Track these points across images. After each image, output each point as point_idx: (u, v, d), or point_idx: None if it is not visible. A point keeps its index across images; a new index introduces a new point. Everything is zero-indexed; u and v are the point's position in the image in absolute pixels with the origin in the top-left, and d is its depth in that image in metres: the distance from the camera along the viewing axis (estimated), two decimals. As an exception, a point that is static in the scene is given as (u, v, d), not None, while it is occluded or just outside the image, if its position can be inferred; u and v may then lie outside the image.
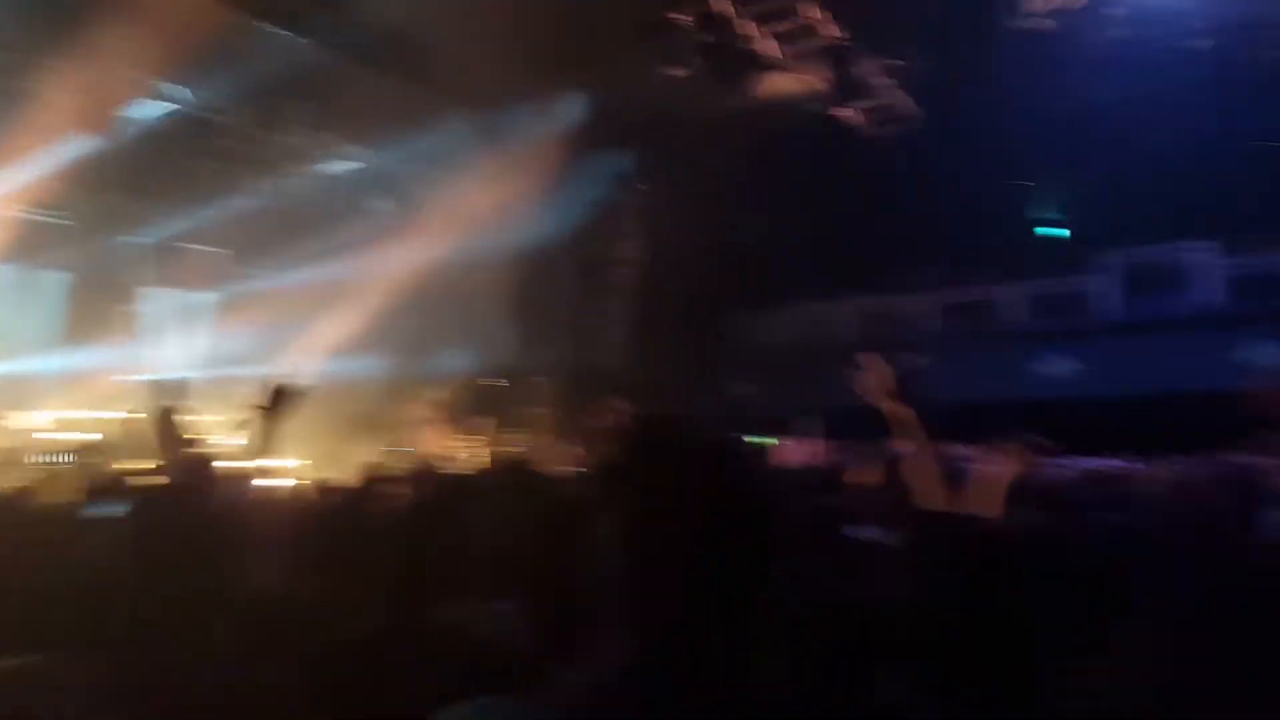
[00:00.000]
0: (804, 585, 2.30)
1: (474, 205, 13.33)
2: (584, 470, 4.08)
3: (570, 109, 14.11)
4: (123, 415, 10.08)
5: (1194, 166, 15.77)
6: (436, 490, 4.19)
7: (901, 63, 14.71)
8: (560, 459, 9.79)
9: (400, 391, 12.84)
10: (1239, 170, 17.61)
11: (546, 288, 16.10)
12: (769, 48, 13.30)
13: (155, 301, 13.64)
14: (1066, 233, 20.16)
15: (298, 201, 13.39)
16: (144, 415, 7.77)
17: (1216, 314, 15.35)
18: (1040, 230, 19.89)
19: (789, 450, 9.17)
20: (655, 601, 1.19)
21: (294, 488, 6.00)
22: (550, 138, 14.01)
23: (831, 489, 4.01)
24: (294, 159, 13.20)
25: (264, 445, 3.34)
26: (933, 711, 1.71)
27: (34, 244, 11.98)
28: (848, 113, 15.07)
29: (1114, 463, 9.25)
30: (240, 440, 3.54)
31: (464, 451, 12.56)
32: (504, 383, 15.73)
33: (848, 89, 14.03)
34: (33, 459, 8.12)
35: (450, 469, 8.74)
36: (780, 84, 14.06)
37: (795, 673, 1.55)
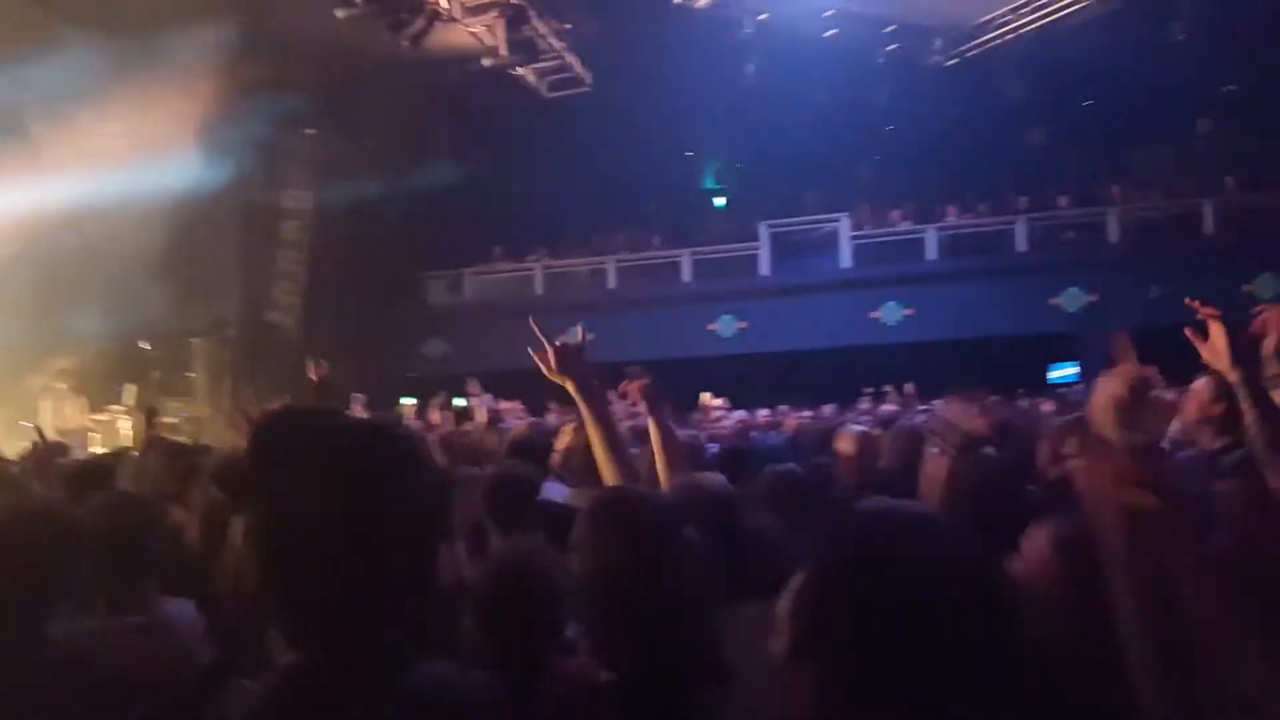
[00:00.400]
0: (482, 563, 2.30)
1: (111, 144, 11.79)
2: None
3: (227, 40, 12.87)
4: None
5: (828, 144, 18.00)
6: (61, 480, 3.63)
7: (573, 28, 15.12)
8: (222, 436, 9.09)
9: (21, 360, 11.20)
10: (865, 149, 20.36)
11: (204, 239, 14.68)
12: (441, -2, 13.03)
13: None
14: (724, 203, 22.12)
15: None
16: None
17: (849, 278, 17.51)
18: (711, 197, 21.64)
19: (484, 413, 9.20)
20: (298, 608, 1.12)
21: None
22: (204, 71, 12.71)
23: (525, 454, 4.02)
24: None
25: None
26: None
27: None
28: (524, 72, 15.23)
29: (771, 413, 10.37)
30: None
31: (99, 428, 11.25)
32: (148, 347, 14.22)
33: (522, 49, 14.12)
34: None
35: (80, 451, 7.82)
36: (452, 37, 13.84)
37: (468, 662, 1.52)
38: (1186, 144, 19.55)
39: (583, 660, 1.66)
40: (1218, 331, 2.43)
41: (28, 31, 10.82)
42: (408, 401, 18.28)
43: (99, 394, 12.03)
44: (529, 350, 2.55)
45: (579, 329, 2.75)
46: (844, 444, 4.35)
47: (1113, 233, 16.97)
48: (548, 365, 2.53)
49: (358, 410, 9.19)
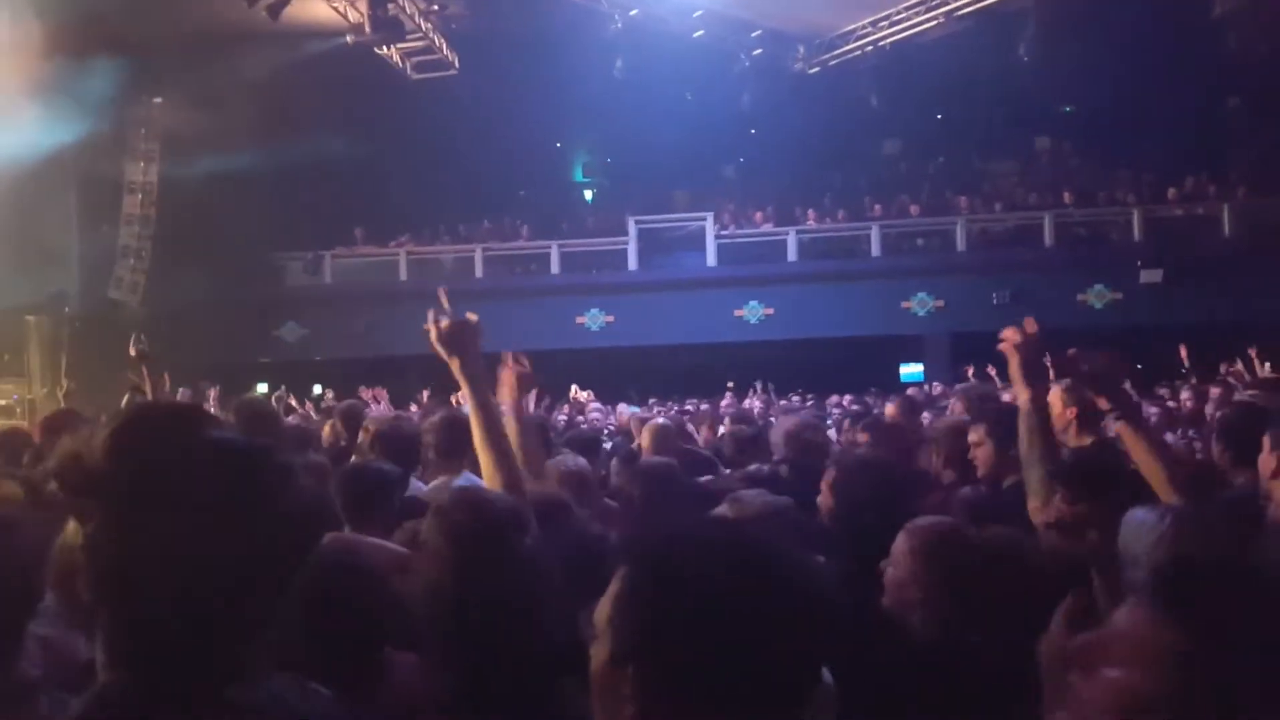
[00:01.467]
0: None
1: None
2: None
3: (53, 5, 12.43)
4: None
5: (696, 143, 18.74)
6: None
7: (441, 9, 15.24)
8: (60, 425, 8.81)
9: None
10: (731, 150, 21.26)
11: (41, 209, 14.12)
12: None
13: None
14: (592, 196, 22.63)
15: None
16: None
17: (714, 276, 18.29)
18: (580, 189, 22.05)
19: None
20: (133, 627, 1.06)
21: None
22: (42, 29, 12.25)
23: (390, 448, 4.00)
24: None
25: None
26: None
27: None
28: (389, 52, 15.26)
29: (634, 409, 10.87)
30: None
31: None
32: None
33: (387, 26, 14.17)
34: None
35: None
36: (315, 10, 13.78)
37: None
38: (1028, 159, 21.28)
39: (421, 665, 1.68)
40: (1013, 355, 2.58)
41: None
42: (261, 387, 18.00)
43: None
44: (424, 327, 2.48)
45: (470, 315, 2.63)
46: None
47: (960, 241, 18.30)
48: (439, 337, 2.45)
49: (211, 401, 9.10)
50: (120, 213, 15.62)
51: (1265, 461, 2.53)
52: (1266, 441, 2.54)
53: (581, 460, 3.63)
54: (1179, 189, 18.36)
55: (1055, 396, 2.98)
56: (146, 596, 1.05)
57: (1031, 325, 2.57)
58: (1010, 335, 2.57)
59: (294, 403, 9.59)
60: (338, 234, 18.90)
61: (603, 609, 1.04)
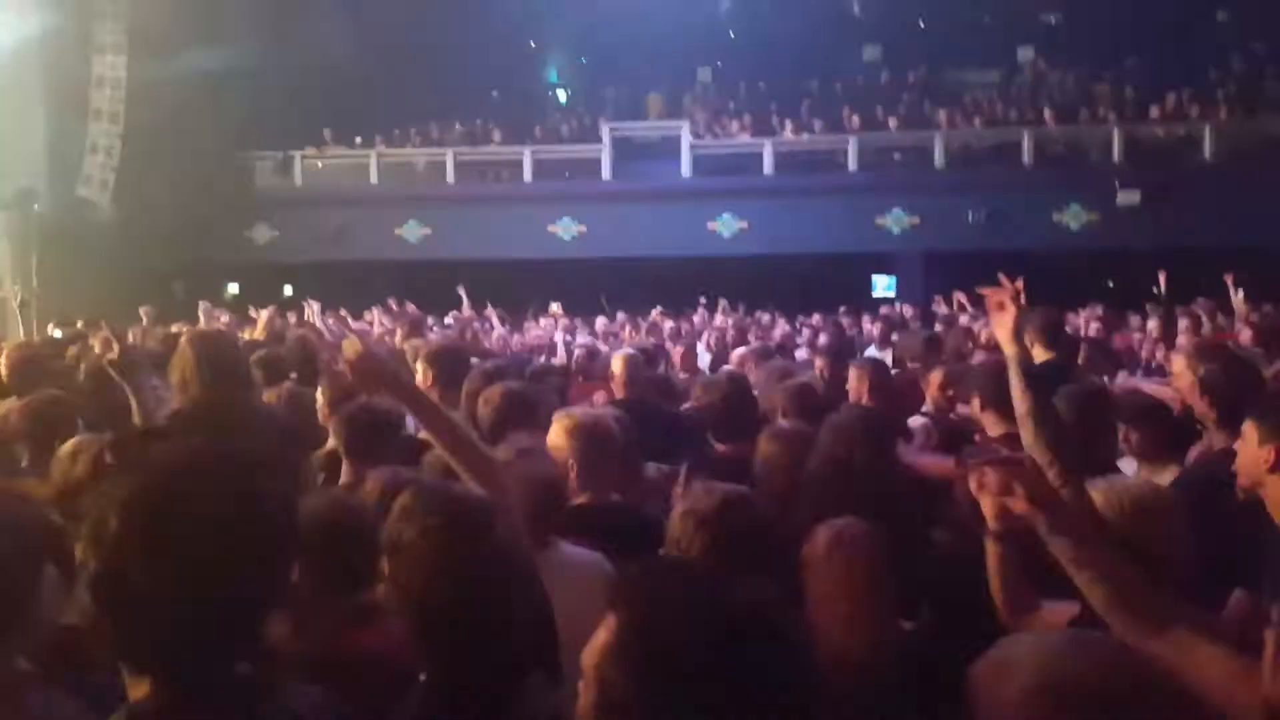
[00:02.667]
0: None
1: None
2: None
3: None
4: None
5: (671, 48, 18.62)
6: None
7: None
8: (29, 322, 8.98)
9: None
10: (707, 55, 21.05)
11: (7, 104, 14.29)
12: None
13: None
14: (565, 98, 22.56)
15: None
16: None
17: (688, 188, 18.53)
18: (553, 91, 21.93)
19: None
20: (140, 636, 1.16)
21: None
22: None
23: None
24: None
25: None
26: None
27: None
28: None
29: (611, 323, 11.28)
30: None
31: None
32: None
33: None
34: None
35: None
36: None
37: None
38: (1010, 71, 21.29)
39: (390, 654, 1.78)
40: (1006, 315, 2.50)
41: None
42: (232, 288, 18.41)
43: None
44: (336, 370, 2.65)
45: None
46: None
47: (938, 157, 18.53)
48: (354, 381, 2.45)
49: (212, 319, 9.01)
50: (88, 108, 15.70)
51: (1255, 456, 2.18)
52: (1254, 430, 2.21)
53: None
54: (1161, 107, 18.51)
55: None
56: (144, 602, 1.13)
57: (1018, 284, 2.56)
58: (998, 294, 2.54)
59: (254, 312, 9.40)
60: (308, 135, 19.03)
61: (591, 655, 1.11)
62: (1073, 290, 13.31)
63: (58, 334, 8.87)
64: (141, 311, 9.14)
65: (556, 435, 2.94)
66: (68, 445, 2.73)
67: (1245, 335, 6.53)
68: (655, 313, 11.70)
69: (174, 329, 8.02)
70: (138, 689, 1.19)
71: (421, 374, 4.07)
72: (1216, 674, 1.51)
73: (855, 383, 4.33)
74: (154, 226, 15.73)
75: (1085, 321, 10.02)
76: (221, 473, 1.22)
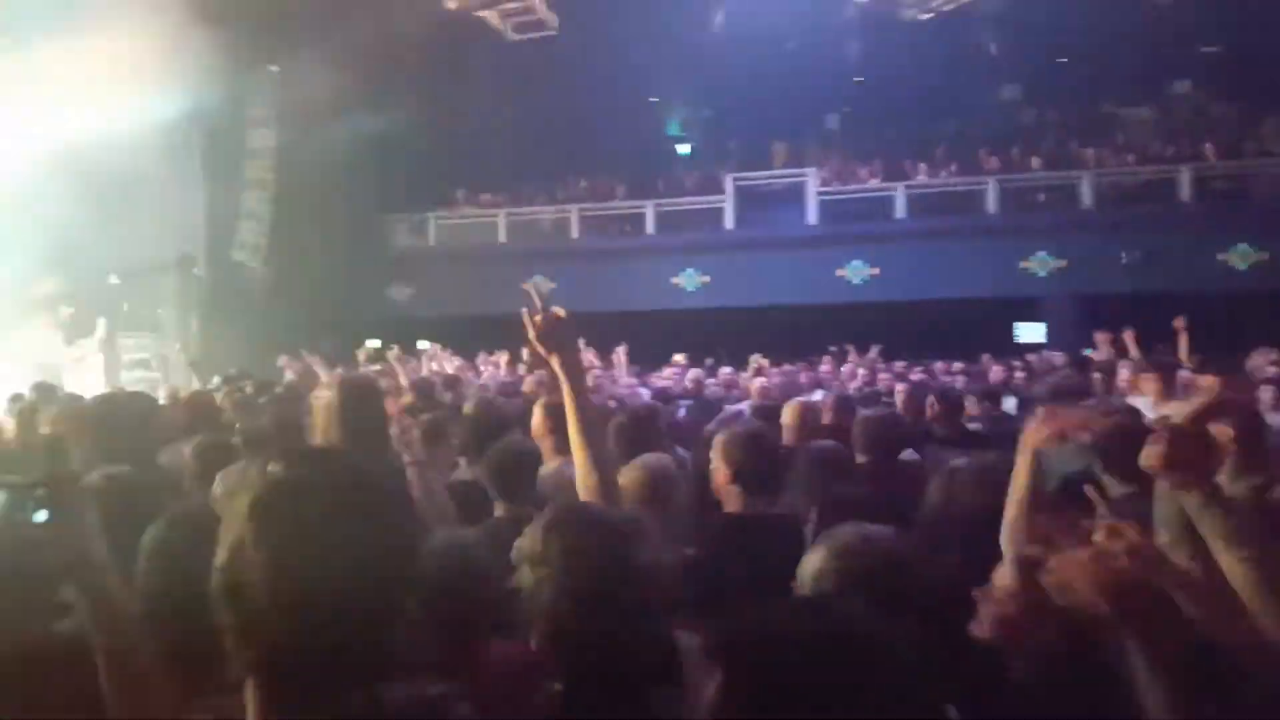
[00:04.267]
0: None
1: (75, 75, 12.39)
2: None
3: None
4: None
5: (797, 96, 18.54)
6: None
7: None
8: (187, 373, 9.61)
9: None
10: (834, 101, 20.89)
11: (172, 175, 15.45)
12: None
13: None
14: (688, 151, 22.69)
15: None
16: None
17: (815, 234, 18.19)
18: (675, 145, 22.09)
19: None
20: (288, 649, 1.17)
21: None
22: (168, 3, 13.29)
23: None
24: None
25: None
26: None
27: None
28: (488, 14, 15.85)
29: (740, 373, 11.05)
30: None
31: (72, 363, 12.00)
32: (117, 281, 15.04)
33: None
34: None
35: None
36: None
37: None
38: (1165, 106, 20.09)
39: (525, 663, 1.77)
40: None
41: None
42: (373, 343, 19.15)
43: (72, 326, 12.78)
44: (523, 311, 2.38)
45: (538, 280, 2.74)
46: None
47: (1085, 196, 17.59)
48: (538, 334, 2.39)
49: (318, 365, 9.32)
50: (242, 177, 16.80)
51: None
52: None
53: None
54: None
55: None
56: (278, 612, 1.16)
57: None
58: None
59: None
60: (440, 196, 19.85)
61: (711, 707, 1.10)
62: (1240, 334, 12.24)
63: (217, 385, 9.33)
64: (280, 363, 9.73)
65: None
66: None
67: None
68: (757, 360, 11.33)
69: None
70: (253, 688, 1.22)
71: (539, 421, 3.99)
72: None
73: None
74: (301, 287, 16.70)
75: (1258, 367, 9.13)
76: (353, 487, 1.24)
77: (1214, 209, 17.13)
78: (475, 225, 20.06)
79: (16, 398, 6.66)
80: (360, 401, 3.14)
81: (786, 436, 4.50)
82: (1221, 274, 16.81)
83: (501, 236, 19.64)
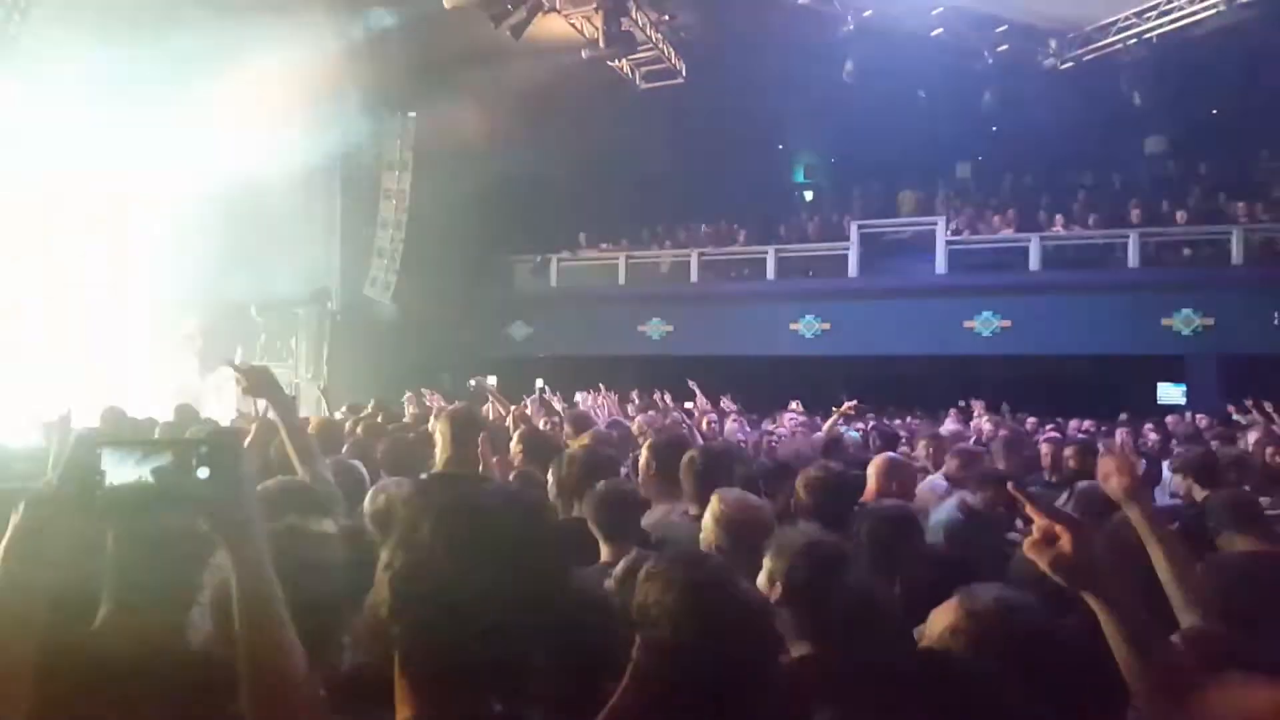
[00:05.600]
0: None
1: (230, 116, 12.94)
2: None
3: (337, 24, 14.01)
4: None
5: (927, 144, 18.05)
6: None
7: (671, 19, 15.75)
8: (319, 404, 9.87)
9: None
10: (966, 149, 20.28)
11: (311, 214, 16.01)
12: (543, -10, 13.87)
13: None
14: (812, 196, 22.35)
15: None
16: None
17: (943, 284, 17.55)
18: (800, 192, 21.79)
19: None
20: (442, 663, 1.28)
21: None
22: (314, 52, 13.83)
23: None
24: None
25: None
26: None
27: None
28: (620, 64, 16.02)
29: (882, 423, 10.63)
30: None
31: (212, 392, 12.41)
32: (257, 316, 15.62)
33: (621, 40, 14.84)
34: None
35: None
36: (553, 27, 14.66)
37: None
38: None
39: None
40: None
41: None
42: (491, 380, 19.39)
43: (210, 355, 13.25)
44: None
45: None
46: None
47: (1235, 252, 16.48)
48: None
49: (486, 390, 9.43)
50: (376, 217, 17.31)
51: None
52: None
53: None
54: None
55: None
56: (447, 610, 1.25)
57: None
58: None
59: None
60: (564, 238, 20.02)
61: None
62: None
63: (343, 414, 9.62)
64: (405, 399, 9.88)
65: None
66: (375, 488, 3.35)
67: None
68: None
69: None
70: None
71: (644, 463, 4.17)
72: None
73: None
74: (427, 323, 17.04)
75: None
76: (519, 506, 1.36)
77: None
78: (596, 267, 20.05)
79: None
80: (469, 430, 3.73)
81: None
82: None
83: (621, 279, 19.67)
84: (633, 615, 1.79)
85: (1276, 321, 15.71)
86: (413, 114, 16.94)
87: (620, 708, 1.75)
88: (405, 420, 7.94)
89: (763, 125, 19.25)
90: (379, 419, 7.24)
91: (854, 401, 8.37)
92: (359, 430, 6.35)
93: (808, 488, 3.71)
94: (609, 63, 15.80)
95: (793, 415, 10.93)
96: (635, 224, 20.40)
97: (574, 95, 15.93)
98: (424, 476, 3.87)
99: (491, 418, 6.72)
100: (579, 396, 11.51)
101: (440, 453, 3.77)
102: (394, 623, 1.26)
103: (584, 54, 15.29)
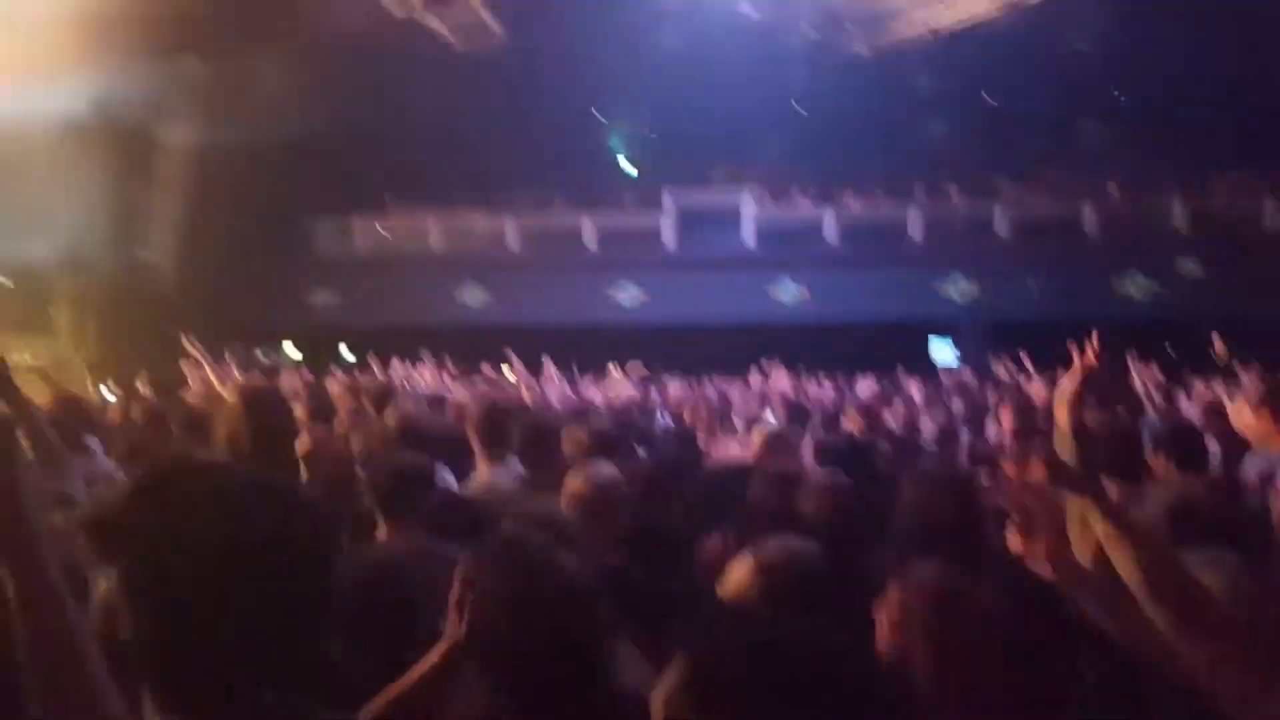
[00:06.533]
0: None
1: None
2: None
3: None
4: None
5: (738, 120, 18.50)
6: None
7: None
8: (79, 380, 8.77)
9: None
10: (774, 127, 20.99)
11: (73, 169, 14.08)
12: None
13: None
14: (631, 168, 22.44)
15: None
16: None
17: (751, 256, 18.17)
18: (617, 162, 21.76)
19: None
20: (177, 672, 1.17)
21: None
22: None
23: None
24: None
25: None
26: None
27: None
28: (433, 23, 15.20)
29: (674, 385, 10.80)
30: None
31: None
32: (7, 283, 13.73)
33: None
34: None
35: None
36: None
37: None
38: (1075, 146, 20.95)
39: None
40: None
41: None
42: (291, 351, 18.11)
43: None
44: None
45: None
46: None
47: (1000, 227, 18.11)
48: None
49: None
50: (152, 174, 15.57)
51: None
52: None
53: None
54: (1224, 179, 18.08)
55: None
56: (182, 639, 1.14)
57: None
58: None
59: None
60: (368, 200, 18.84)
61: (660, 694, 1.07)
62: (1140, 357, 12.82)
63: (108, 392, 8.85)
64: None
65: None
66: None
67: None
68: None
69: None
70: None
71: (471, 425, 3.90)
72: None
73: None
74: (212, 290, 15.48)
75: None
76: (252, 497, 1.22)
77: (1114, 241, 17.90)
78: (406, 232, 19.00)
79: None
80: (266, 411, 3.06)
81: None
82: (1118, 302, 17.62)
83: (434, 244, 18.76)
84: (440, 593, 1.74)
85: (1032, 289, 17.48)
86: (194, 61, 15.23)
87: (421, 682, 1.69)
88: (187, 398, 7.05)
89: (580, 93, 18.87)
90: (154, 398, 6.58)
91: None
92: (136, 414, 5.64)
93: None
94: (422, 22, 14.93)
95: (627, 380, 10.96)
96: (448, 188, 19.51)
97: (381, 52, 14.95)
98: (156, 468, 3.02)
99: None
100: (396, 366, 10.97)
101: (224, 437, 3.10)
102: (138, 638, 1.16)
103: (398, 13, 14.38)
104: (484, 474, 3.68)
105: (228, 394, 3.61)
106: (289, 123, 14.60)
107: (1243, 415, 3.49)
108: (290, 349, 17.83)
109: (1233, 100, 18.07)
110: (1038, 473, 1.76)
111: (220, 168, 15.15)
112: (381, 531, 2.93)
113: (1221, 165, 18.23)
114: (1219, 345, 8.99)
